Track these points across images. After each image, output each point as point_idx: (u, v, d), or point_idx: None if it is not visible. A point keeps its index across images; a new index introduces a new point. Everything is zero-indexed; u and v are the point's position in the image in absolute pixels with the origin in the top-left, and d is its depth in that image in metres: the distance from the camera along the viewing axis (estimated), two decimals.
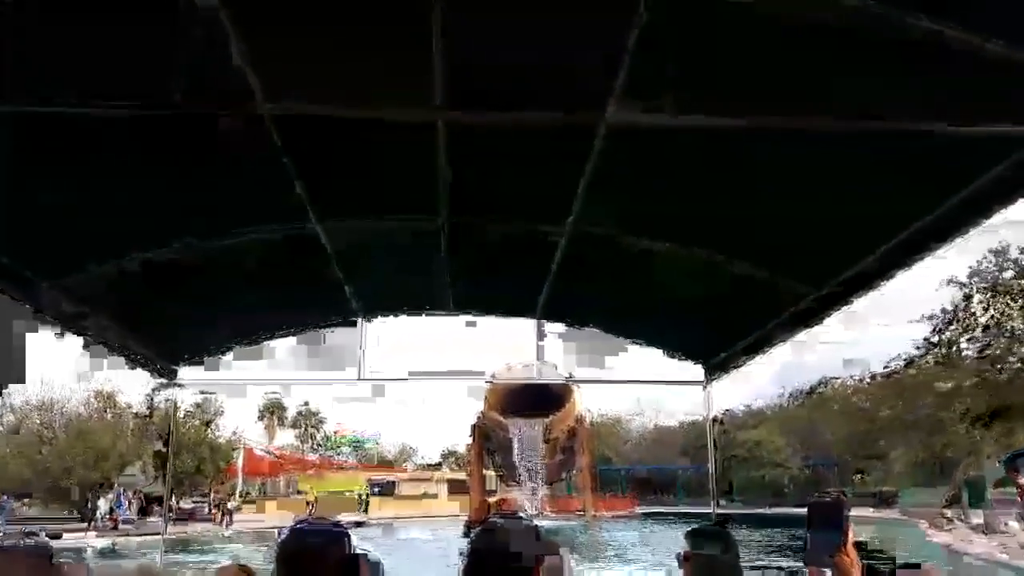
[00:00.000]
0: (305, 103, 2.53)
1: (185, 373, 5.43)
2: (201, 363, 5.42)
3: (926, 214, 2.90)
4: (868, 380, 51.23)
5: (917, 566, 2.08)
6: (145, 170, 3.13)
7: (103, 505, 34.26)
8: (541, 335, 5.55)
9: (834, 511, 1.50)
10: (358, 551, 2.08)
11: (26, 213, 3.23)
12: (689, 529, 3.10)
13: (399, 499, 51.74)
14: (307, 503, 41.35)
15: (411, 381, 5.85)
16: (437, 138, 2.93)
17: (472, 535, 1.97)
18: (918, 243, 3.05)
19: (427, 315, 5.48)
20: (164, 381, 5.54)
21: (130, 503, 36.62)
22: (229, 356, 5.44)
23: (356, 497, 48.12)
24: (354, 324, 5.40)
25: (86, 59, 2.35)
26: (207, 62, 2.39)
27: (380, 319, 5.47)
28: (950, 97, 2.35)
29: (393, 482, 55.69)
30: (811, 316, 3.98)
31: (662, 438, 68.29)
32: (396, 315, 5.52)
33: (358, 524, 31.28)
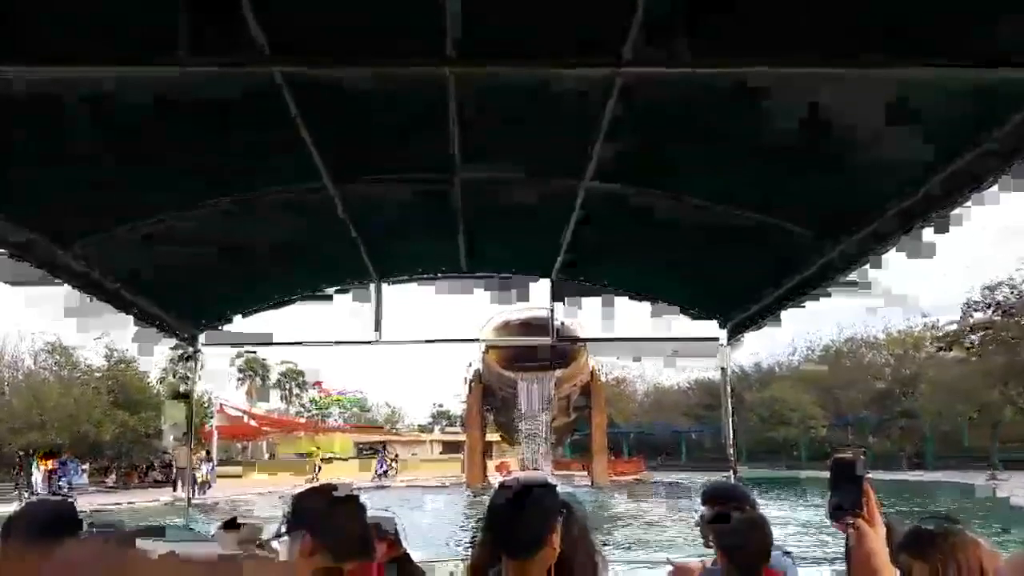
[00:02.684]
0: (313, 59, 2.48)
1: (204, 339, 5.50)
2: (219, 328, 5.46)
3: (951, 162, 2.80)
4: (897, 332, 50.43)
5: (955, 520, 2.03)
6: (157, 133, 3.10)
7: (37, 474, 29.19)
8: (557, 296, 5.49)
9: (854, 468, 1.50)
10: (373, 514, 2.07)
11: (39, 178, 3.22)
12: (705, 487, 3.10)
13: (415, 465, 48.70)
14: (314, 466, 38.94)
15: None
16: (448, 93, 2.87)
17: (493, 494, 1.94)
18: (942, 195, 2.95)
19: (442, 276, 5.47)
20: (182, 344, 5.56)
21: (83, 470, 32.44)
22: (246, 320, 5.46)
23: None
24: (367, 286, 5.41)
25: (96, 17, 2.30)
26: (215, 19, 2.33)
27: (395, 281, 5.48)
28: (975, 37, 2.26)
29: (384, 445, 51.58)
30: (834, 271, 3.90)
31: (664, 399, 66.51)
32: (411, 277, 5.53)
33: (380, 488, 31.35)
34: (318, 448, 44.17)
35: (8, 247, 3.41)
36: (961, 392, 37.57)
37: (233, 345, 5.99)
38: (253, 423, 46.92)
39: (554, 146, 3.56)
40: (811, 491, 25.30)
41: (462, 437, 50.69)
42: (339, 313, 5.74)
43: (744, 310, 5.02)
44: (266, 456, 51.13)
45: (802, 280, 4.20)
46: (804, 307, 4.42)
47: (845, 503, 1.49)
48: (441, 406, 77.29)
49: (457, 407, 71.72)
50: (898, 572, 1.57)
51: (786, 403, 49.21)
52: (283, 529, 1.90)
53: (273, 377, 70.65)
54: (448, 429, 67.86)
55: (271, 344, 5.86)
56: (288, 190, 3.92)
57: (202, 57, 2.25)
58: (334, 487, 2.02)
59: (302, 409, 69.69)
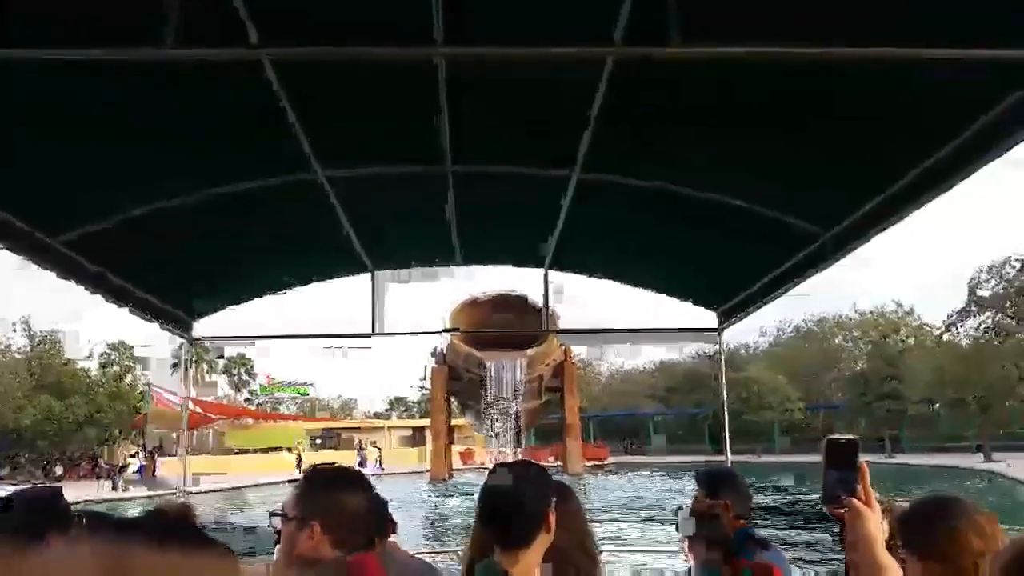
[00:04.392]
0: (301, 43, 2.44)
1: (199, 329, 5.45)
2: (211, 314, 5.41)
3: (939, 148, 2.81)
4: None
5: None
6: (145, 121, 3.08)
7: None
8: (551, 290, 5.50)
9: (849, 450, 1.43)
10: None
11: (27, 168, 3.20)
12: (698, 472, 3.10)
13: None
14: (297, 457, 37.68)
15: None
16: (438, 77, 2.86)
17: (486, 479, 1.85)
18: (930, 180, 2.95)
19: (436, 266, 5.47)
20: None
21: None
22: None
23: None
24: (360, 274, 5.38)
25: (83, 2, 2.29)
26: (202, 4, 2.32)
27: (389, 271, 5.45)
28: (966, 21, 2.24)
29: (338, 433, 50.14)
30: (824, 257, 3.92)
31: (628, 382, 64.21)
32: (405, 267, 5.52)
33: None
34: (300, 441, 42.24)
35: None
36: (957, 374, 36.02)
37: (227, 339, 5.88)
38: (198, 410, 42.19)
39: (545, 135, 3.54)
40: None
41: (421, 423, 48.26)
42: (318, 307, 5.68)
43: (736, 296, 5.04)
44: (211, 446, 47.09)
45: (793, 265, 4.23)
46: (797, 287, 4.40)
47: (840, 487, 1.43)
48: (398, 394, 75.80)
49: (414, 394, 71.32)
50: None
51: (764, 385, 47.68)
52: (289, 515, 1.75)
53: (219, 364, 65.90)
54: (406, 416, 66.00)
55: (265, 338, 5.78)
56: (279, 179, 3.89)
57: (189, 43, 2.22)
58: (343, 471, 1.91)
59: (251, 396, 66.09)
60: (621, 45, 2.47)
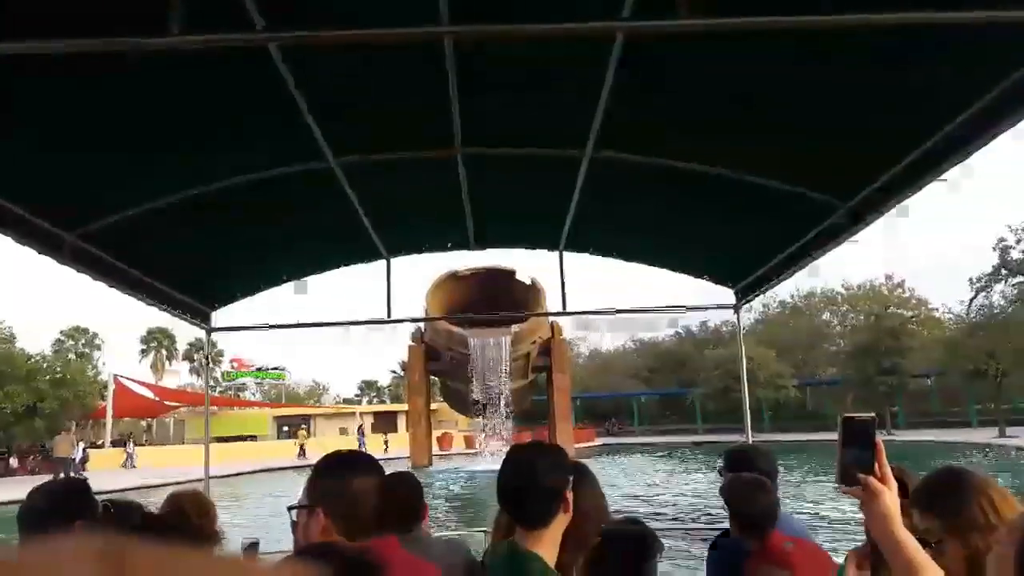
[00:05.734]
0: (307, 27, 2.39)
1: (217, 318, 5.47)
2: (229, 304, 5.41)
3: (958, 115, 2.76)
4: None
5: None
6: (156, 112, 3.09)
7: None
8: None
9: (865, 428, 1.40)
10: None
11: (41, 162, 3.20)
12: (728, 449, 3.14)
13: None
14: (300, 447, 37.27)
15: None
16: (445, 59, 2.85)
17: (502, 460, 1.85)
18: (950, 147, 2.90)
19: (449, 251, 5.48)
20: None
21: None
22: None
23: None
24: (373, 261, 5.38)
25: None
26: None
27: (403, 257, 5.47)
28: None
29: (307, 419, 47.62)
30: (841, 231, 3.89)
31: (609, 362, 62.88)
32: (419, 252, 5.52)
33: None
34: (303, 432, 40.30)
35: (11, 232, 3.36)
36: (979, 345, 34.68)
37: (243, 329, 5.85)
38: (156, 398, 42.09)
39: (556, 114, 3.52)
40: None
41: (394, 408, 47.24)
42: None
43: (754, 272, 5.01)
44: (172, 435, 45.53)
45: (810, 240, 4.20)
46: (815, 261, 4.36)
47: (856, 466, 1.39)
48: (369, 378, 75.06)
49: (385, 378, 70.88)
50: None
51: (752, 360, 44.22)
52: (300, 504, 1.76)
53: (181, 348, 65.01)
54: (376, 401, 64.25)
55: (282, 327, 5.76)
56: (293, 167, 3.89)
57: (196, 30, 2.18)
58: (351, 456, 1.90)
59: (214, 383, 62.70)
60: (630, 19, 2.44)
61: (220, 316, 5.50)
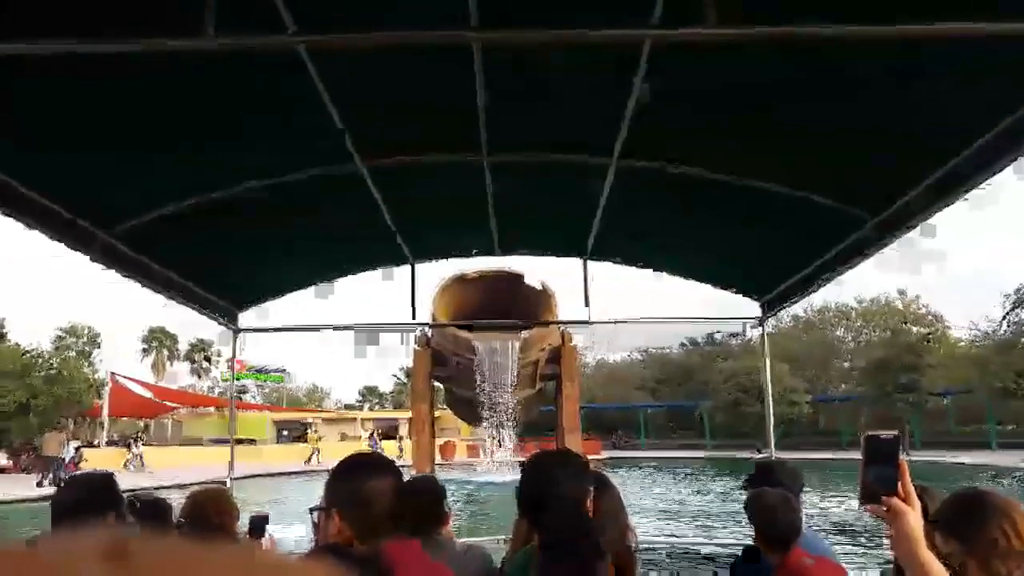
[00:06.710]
0: (337, 30, 2.43)
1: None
2: (256, 305, 5.46)
3: (990, 129, 2.73)
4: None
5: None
6: (188, 113, 3.14)
7: None
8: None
9: (890, 447, 1.37)
10: None
11: (76, 162, 3.26)
12: (755, 462, 3.14)
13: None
14: (312, 450, 36.07)
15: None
16: (474, 64, 2.86)
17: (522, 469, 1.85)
18: (981, 162, 2.86)
19: (474, 256, 5.49)
20: None
21: None
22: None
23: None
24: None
25: None
26: None
27: (430, 262, 5.50)
28: None
29: (307, 425, 45.77)
30: (869, 244, 3.85)
31: (614, 373, 60.40)
32: (444, 258, 5.54)
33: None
34: (316, 434, 39.09)
35: (47, 229, 3.41)
36: (998, 365, 33.57)
37: (269, 330, 5.88)
38: (156, 399, 40.35)
39: (583, 122, 3.53)
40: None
41: (396, 414, 45.70)
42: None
43: (779, 285, 4.97)
44: (171, 436, 43.79)
45: (837, 254, 4.17)
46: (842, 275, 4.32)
47: (880, 485, 1.36)
48: (370, 384, 73.89)
49: (387, 384, 69.37)
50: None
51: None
52: (318, 506, 1.79)
53: (182, 348, 63.83)
54: (378, 408, 63.21)
55: (307, 329, 5.79)
56: (322, 170, 3.92)
57: (228, 32, 2.23)
58: (367, 459, 1.92)
59: (212, 383, 62.06)
60: (659, 27, 2.44)
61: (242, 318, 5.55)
